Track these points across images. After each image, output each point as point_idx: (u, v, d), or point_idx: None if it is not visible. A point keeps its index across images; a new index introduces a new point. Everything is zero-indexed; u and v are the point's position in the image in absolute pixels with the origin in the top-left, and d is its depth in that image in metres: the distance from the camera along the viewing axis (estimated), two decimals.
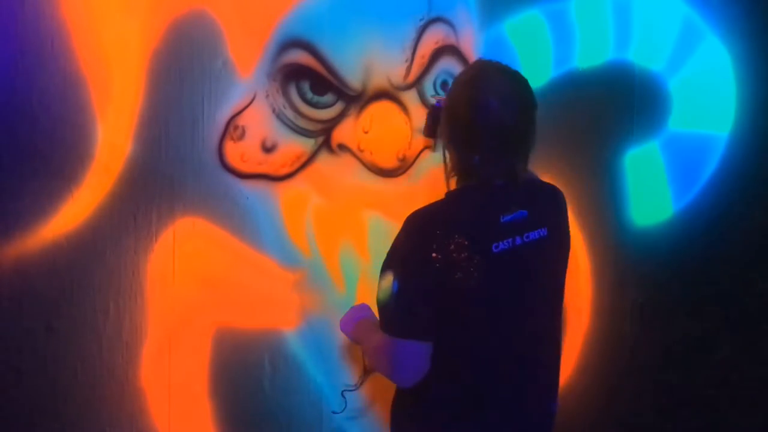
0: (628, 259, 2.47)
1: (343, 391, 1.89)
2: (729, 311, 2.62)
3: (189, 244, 1.76)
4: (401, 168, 2.01)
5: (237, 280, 1.82)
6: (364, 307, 1.70)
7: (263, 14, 1.79)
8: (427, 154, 2.03)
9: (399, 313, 1.39)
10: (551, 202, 1.57)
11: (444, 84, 2.03)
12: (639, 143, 2.46)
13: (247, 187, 1.81)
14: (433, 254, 1.36)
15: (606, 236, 2.43)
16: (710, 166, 2.59)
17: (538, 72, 2.24)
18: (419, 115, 1.98)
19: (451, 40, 2.05)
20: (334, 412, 1.94)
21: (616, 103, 2.41)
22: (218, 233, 1.79)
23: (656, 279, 2.52)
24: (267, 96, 1.81)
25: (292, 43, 1.82)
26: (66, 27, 1.58)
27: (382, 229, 1.98)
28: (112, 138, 1.65)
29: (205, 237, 1.78)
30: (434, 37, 2.01)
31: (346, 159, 1.93)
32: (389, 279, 1.40)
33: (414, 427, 1.49)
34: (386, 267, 1.43)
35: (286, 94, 1.83)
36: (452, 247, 1.36)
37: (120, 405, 1.71)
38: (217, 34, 1.74)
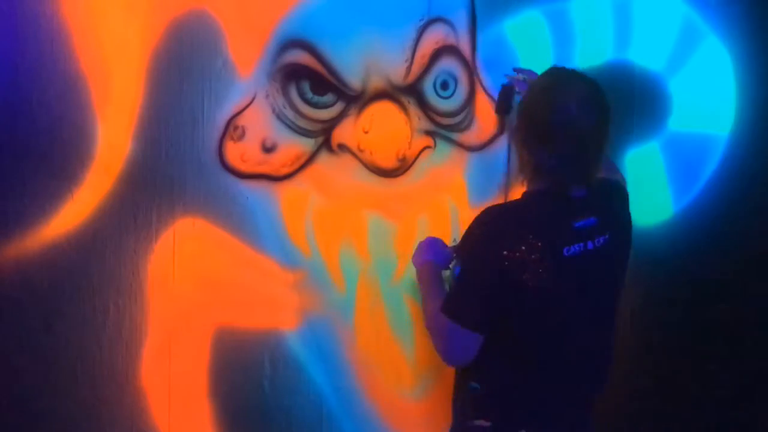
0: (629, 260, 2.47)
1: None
2: (729, 311, 2.62)
3: (189, 244, 1.76)
4: (401, 168, 2.00)
5: (237, 280, 1.82)
6: (438, 243, 1.79)
7: (263, 14, 1.79)
8: (427, 154, 2.03)
9: (459, 300, 1.50)
10: (614, 201, 1.66)
11: (444, 84, 2.03)
12: (639, 143, 2.46)
13: (247, 187, 1.81)
14: (504, 252, 1.42)
15: None
16: (710, 166, 2.59)
17: (538, 72, 2.23)
18: (419, 116, 1.99)
19: (451, 40, 2.05)
20: None
21: (616, 103, 2.36)
22: (218, 233, 1.79)
23: (656, 279, 2.52)
24: (267, 96, 1.81)
25: (292, 43, 1.82)
26: (66, 27, 1.58)
27: (382, 229, 1.98)
28: (112, 138, 1.65)
29: (205, 237, 1.78)
30: (434, 37, 2.01)
31: (346, 159, 1.93)
32: (459, 267, 1.53)
33: (475, 418, 1.56)
34: (458, 254, 1.56)
35: (286, 94, 1.83)
36: (524, 247, 1.42)
37: (120, 405, 1.71)
38: (217, 34, 1.74)
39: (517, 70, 1.99)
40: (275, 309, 1.89)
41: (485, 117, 2.13)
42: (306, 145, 1.87)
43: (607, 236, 1.54)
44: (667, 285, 2.54)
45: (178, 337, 1.77)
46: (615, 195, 1.70)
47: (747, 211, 2.61)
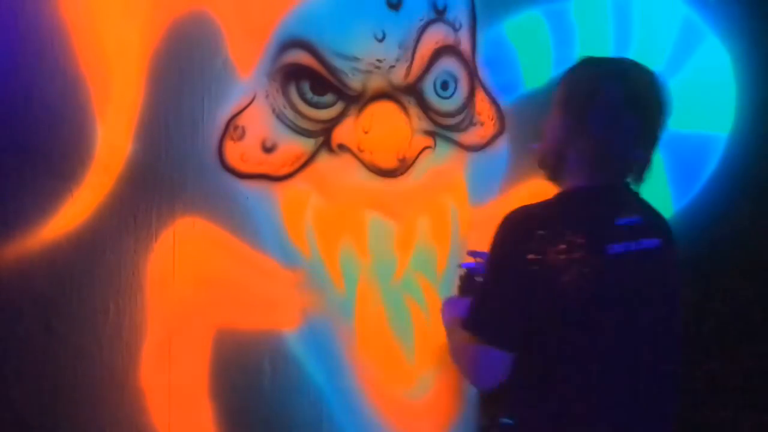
0: None
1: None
2: (729, 311, 2.62)
3: (189, 244, 1.76)
4: (401, 168, 2.00)
5: (237, 280, 1.82)
6: (465, 304, 1.60)
7: (263, 14, 1.79)
8: (427, 154, 2.03)
9: (481, 312, 1.33)
10: (664, 221, 1.48)
11: (445, 84, 2.03)
12: None
13: (247, 187, 1.81)
14: (530, 256, 1.26)
15: None
16: (710, 166, 2.59)
17: (538, 72, 2.24)
18: (419, 116, 1.99)
19: (451, 40, 2.05)
20: None
21: None
22: (218, 233, 1.79)
23: None
24: (267, 96, 1.81)
25: (292, 43, 1.82)
26: (66, 27, 1.58)
27: (382, 229, 1.98)
28: (112, 138, 1.65)
29: (205, 237, 1.77)
30: (434, 37, 2.01)
31: (346, 159, 1.93)
32: (486, 278, 1.35)
33: None
34: (487, 265, 1.37)
35: (286, 94, 1.83)
36: (561, 246, 1.25)
37: (120, 405, 1.71)
38: (217, 34, 1.74)
39: (472, 253, 1.75)
40: (275, 309, 1.89)
41: (485, 117, 2.13)
42: (306, 145, 1.87)
43: (657, 242, 1.37)
44: None
45: (178, 337, 1.76)
46: (661, 215, 1.50)
47: (747, 211, 2.61)
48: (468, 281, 1.70)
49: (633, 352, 1.32)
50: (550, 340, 1.28)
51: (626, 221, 1.34)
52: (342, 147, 1.92)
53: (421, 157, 2.02)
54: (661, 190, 2.52)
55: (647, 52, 2.42)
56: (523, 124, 2.20)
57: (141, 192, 1.69)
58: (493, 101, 2.15)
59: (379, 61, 1.93)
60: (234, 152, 1.79)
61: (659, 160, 2.48)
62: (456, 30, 2.06)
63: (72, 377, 1.66)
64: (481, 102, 2.12)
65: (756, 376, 2.65)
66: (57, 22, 1.57)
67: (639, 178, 1.42)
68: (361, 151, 1.94)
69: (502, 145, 2.19)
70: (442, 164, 2.06)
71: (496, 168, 2.17)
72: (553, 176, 1.45)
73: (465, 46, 2.08)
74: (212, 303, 1.80)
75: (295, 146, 1.86)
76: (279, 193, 1.86)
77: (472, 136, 2.12)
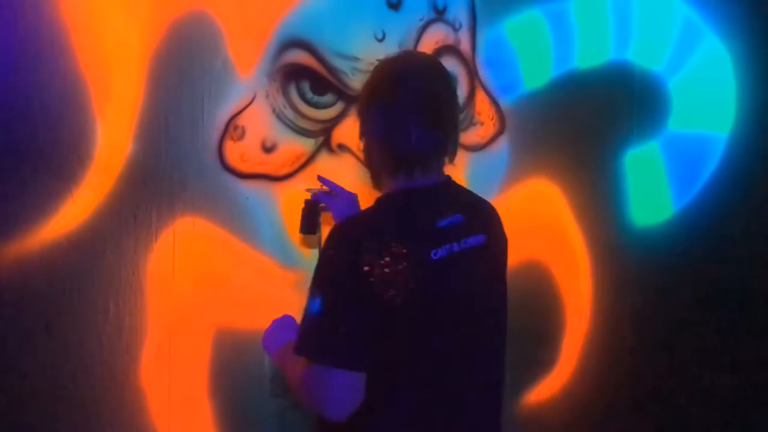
0: (629, 260, 2.47)
1: None
2: (729, 311, 2.62)
3: (189, 244, 1.76)
4: None
5: (237, 280, 1.82)
6: (290, 323, 1.57)
7: (263, 14, 1.79)
8: None
9: (326, 338, 1.21)
10: (488, 213, 1.46)
11: None
12: (639, 143, 2.46)
13: (247, 187, 1.81)
14: (366, 268, 1.19)
15: (606, 236, 2.43)
16: (710, 166, 2.59)
17: (538, 72, 2.24)
18: None
19: (451, 40, 2.05)
20: None
21: (616, 103, 2.41)
22: (218, 233, 1.79)
23: (656, 279, 2.52)
24: (267, 96, 1.81)
25: (292, 43, 1.82)
26: (66, 27, 1.58)
27: None
28: (112, 138, 1.65)
29: (205, 237, 1.78)
30: (434, 37, 2.01)
31: (346, 159, 1.93)
32: (315, 299, 1.23)
33: None
34: (312, 285, 1.26)
35: (286, 94, 1.83)
36: (387, 258, 1.20)
37: (120, 405, 1.71)
38: (217, 34, 1.74)
39: (321, 180, 1.74)
40: (275, 309, 1.89)
41: (485, 117, 2.13)
42: (306, 145, 1.87)
43: (481, 239, 1.34)
44: (667, 285, 2.54)
45: (178, 337, 1.77)
46: (484, 205, 1.48)
47: (747, 211, 2.61)
48: (310, 208, 1.69)
49: (468, 354, 1.31)
50: (390, 350, 1.23)
51: (448, 222, 1.30)
52: (342, 147, 1.92)
53: None
54: (661, 190, 2.53)
55: (647, 52, 2.43)
56: (523, 124, 2.20)
57: (141, 192, 1.69)
58: (493, 101, 2.15)
59: (379, 61, 1.92)
60: (234, 152, 1.79)
61: (659, 160, 2.51)
62: (456, 30, 2.06)
63: (72, 377, 1.66)
64: (481, 102, 2.12)
65: (756, 376, 2.65)
66: (57, 22, 1.57)
67: (452, 156, 1.39)
68: (361, 151, 1.94)
69: (502, 144, 2.19)
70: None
71: (496, 168, 2.17)
72: (375, 182, 1.43)
73: (465, 46, 2.08)
74: (212, 303, 1.80)
75: (295, 146, 1.86)
76: (279, 193, 1.86)
77: (472, 136, 2.12)
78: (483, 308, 1.36)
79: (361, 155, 1.93)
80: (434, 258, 1.25)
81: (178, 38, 1.70)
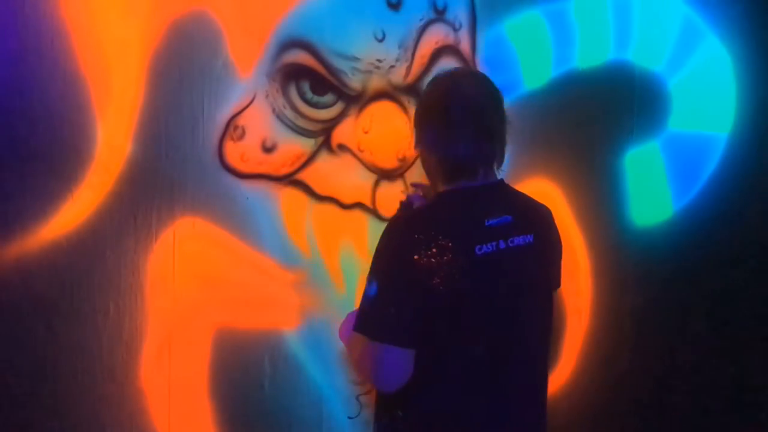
0: (629, 260, 2.47)
1: (358, 396, 1.87)
2: (729, 311, 2.62)
3: (189, 244, 1.76)
4: (401, 168, 2.00)
5: (237, 280, 1.82)
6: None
7: (263, 14, 1.79)
8: None
9: (380, 317, 1.38)
10: (540, 215, 1.57)
11: None
12: (639, 143, 2.46)
13: (247, 187, 1.81)
14: (416, 257, 1.34)
15: (606, 236, 2.43)
16: (710, 166, 2.59)
17: (538, 72, 2.24)
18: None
19: (451, 40, 2.05)
20: (350, 417, 1.92)
21: (616, 103, 2.41)
22: (218, 233, 1.79)
23: (656, 279, 2.52)
24: (267, 96, 1.81)
25: (292, 43, 1.82)
26: (66, 27, 1.58)
27: (382, 230, 1.97)
28: (112, 138, 1.65)
29: (205, 237, 1.78)
30: (434, 37, 2.01)
31: (346, 159, 1.93)
32: (372, 283, 1.40)
33: None
34: (370, 271, 1.43)
35: (286, 94, 1.83)
36: (434, 249, 1.34)
37: (120, 405, 1.71)
38: (217, 35, 1.74)
39: (415, 185, 1.85)
40: (275, 309, 1.89)
41: None
42: (306, 145, 1.87)
43: (529, 238, 1.46)
44: (667, 285, 2.54)
45: (178, 337, 1.77)
46: (537, 207, 1.60)
47: (747, 212, 2.61)
48: (405, 209, 1.74)
49: (508, 345, 1.43)
50: (429, 338, 1.37)
51: (497, 221, 1.42)
52: (342, 147, 1.92)
53: None
54: (661, 190, 2.53)
55: (647, 52, 2.43)
56: (523, 124, 2.20)
57: (141, 192, 1.69)
58: None
59: (379, 61, 1.93)
60: (234, 152, 1.79)
61: (659, 160, 2.51)
62: (456, 30, 2.06)
63: (72, 377, 1.66)
64: None
65: (756, 377, 2.65)
66: (57, 22, 1.57)
67: (500, 162, 1.51)
68: (361, 151, 1.94)
69: None
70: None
71: None
72: (432, 183, 1.55)
73: (465, 45, 2.08)
74: (212, 303, 1.80)
75: (295, 146, 1.86)
76: (279, 193, 1.86)
77: None
78: (526, 302, 1.47)
79: (360, 156, 1.95)
80: (479, 253, 1.38)
81: (178, 38, 1.70)
